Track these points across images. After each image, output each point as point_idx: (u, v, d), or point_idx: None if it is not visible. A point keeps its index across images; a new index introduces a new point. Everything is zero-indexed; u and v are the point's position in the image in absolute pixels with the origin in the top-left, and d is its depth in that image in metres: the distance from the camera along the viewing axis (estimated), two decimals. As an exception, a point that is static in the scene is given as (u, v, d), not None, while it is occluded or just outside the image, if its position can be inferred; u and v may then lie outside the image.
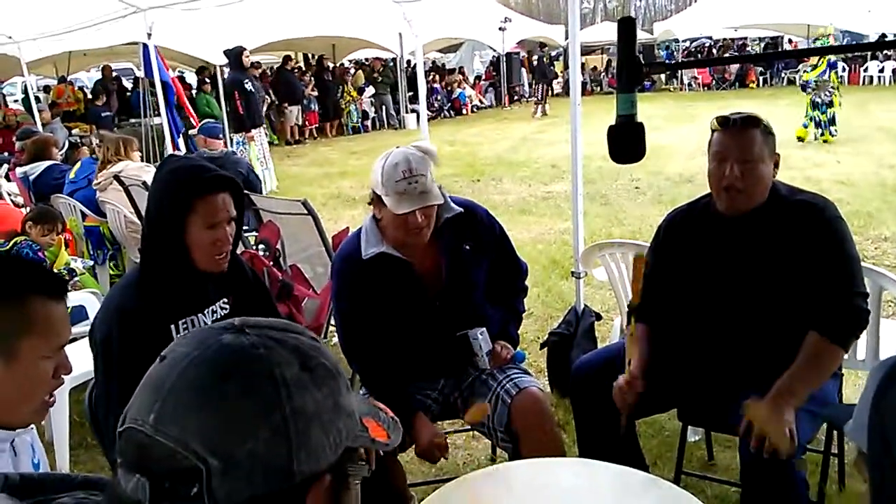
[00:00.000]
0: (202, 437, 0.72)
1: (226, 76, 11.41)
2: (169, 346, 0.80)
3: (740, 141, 2.19)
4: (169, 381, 0.75)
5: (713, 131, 2.26)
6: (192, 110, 9.53)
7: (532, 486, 1.91)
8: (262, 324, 0.81)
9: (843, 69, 12.10)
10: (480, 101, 23.36)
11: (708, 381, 2.34)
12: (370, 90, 18.81)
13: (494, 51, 23.60)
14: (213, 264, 2.03)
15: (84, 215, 5.49)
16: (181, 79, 15.35)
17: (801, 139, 11.51)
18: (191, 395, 0.74)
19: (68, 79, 16.06)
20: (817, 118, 11.50)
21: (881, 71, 22.42)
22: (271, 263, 3.47)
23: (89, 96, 15.45)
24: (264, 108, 12.02)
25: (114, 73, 16.32)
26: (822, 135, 11.44)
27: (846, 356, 2.48)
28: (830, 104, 11.31)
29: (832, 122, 11.39)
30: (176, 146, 7.88)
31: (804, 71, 11.87)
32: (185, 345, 0.79)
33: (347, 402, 0.81)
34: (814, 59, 11.39)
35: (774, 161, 2.24)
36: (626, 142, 2.39)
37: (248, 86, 9.57)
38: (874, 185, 8.24)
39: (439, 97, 21.50)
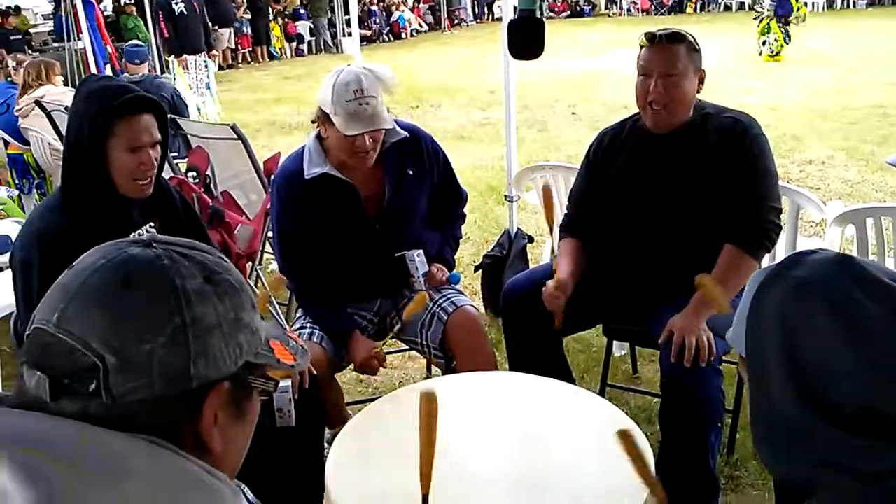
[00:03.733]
0: (101, 336, 0.74)
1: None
2: (80, 257, 0.82)
3: (664, 56, 2.24)
4: (74, 286, 0.78)
5: (641, 47, 2.30)
6: (106, 35, 8.80)
7: (461, 397, 1.97)
8: (170, 240, 0.84)
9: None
10: (420, 25, 22.91)
11: (632, 296, 2.42)
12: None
13: (434, -27, 23.09)
14: (135, 189, 1.97)
15: (6, 143, 5.28)
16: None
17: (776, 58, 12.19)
18: (93, 298, 0.76)
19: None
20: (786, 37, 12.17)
21: (814, -4, 22.70)
22: (202, 190, 3.41)
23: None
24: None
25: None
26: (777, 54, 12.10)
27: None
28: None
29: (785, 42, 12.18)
30: (100, 70, 7.50)
31: None
32: (94, 254, 0.81)
33: (251, 318, 0.84)
34: None
35: (699, 77, 2.29)
36: (526, 37, 2.38)
37: (178, 7, 8.78)
38: (803, 110, 8.45)
39: (377, 20, 21.00)
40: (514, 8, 2.79)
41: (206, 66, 8.89)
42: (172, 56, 8.90)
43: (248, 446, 0.89)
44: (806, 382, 0.93)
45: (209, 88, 9.01)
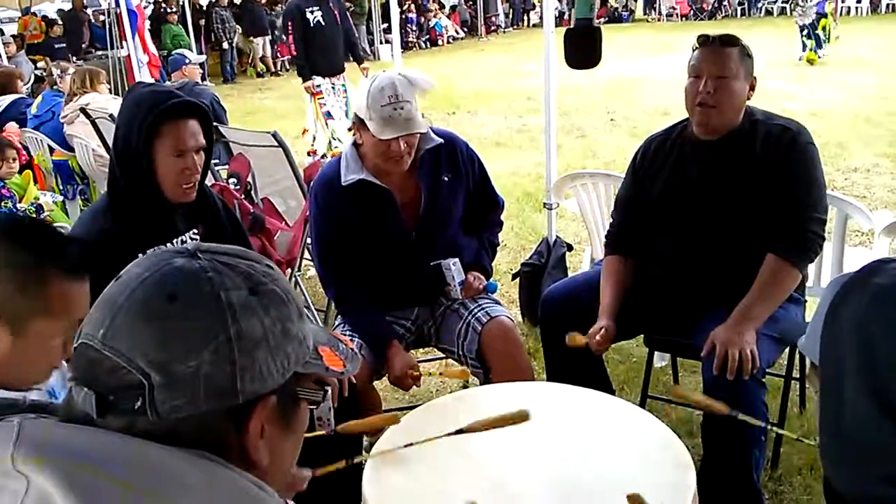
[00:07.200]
0: (146, 353, 0.74)
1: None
2: (126, 267, 0.82)
3: (717, 57, 2.21)
4: (120, 300, 0.77)
5: (693, 49, 2.28)
6: (148, 44, 8.57)
7: (498, 408, 1.95)
8: (215, 249, 0.82)
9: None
10: (457, 32, 22.93)
11: (674, 307, 2.38)
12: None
13: (470, -21, 23.09)
14: (180, 194, 2.01)
15: (51, 149, 5.39)
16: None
17: (810, 62, 12.31)
18: (139, 314, 0.76)
19: (32, 10, 15.46)
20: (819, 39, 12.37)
21: (859, 2, 22.27)
22: (242, 196, 3.45)
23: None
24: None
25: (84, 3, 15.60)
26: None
27: (810, 284, 2.54)
28: (814, 27, 12.16)
29: (818, 44, 12.31)
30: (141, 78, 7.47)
31: None
32: (139, 266, 0.80)
33: (298, 328, 0.82)
34: None
35: (751, 84, 2.27)
36: (583, 46, 2.33)
37: (315, 16, 6.61)
38: (847, 116, 8.29)
39: (414, 27, 21.08)
40: (558, 13, 2.76)
41: (344, 91, 6.92)
42: (302, 80, 6.92)
43: (296, 458, 0.88)
44: (882, 391, 0.91)
45: (347, 117, 6.72)
